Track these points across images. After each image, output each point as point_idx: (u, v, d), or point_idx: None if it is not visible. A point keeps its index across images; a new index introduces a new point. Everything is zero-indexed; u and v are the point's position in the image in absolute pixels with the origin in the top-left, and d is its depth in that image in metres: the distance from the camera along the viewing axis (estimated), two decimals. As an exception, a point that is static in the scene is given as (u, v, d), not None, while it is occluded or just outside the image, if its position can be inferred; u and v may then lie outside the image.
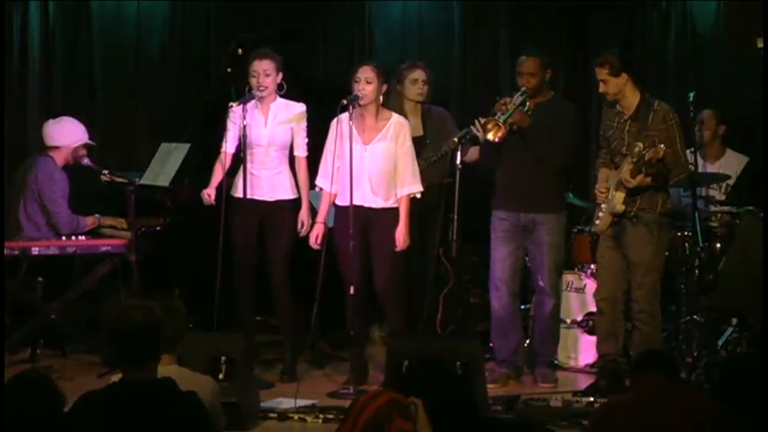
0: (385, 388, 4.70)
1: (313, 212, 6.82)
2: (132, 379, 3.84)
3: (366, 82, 6.55)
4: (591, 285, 7.13)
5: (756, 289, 6.21)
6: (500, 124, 6.51)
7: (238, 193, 6.73)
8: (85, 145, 7.49)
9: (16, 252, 7.05)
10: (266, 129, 6.81)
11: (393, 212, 6.63)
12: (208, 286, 6.54)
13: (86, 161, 7.37)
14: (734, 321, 6.85)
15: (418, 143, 6.97)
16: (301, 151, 6.86)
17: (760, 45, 7.11)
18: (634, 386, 4.30)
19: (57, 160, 7.39)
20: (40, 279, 7.25)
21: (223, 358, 5.78)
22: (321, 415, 5.93)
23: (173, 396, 3.84)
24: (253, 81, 6.73)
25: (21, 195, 7.34)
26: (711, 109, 7.77)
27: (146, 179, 7.48)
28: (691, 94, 6.84)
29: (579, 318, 7.30)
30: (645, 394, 4.12)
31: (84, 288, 7.21)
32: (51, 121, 7.55)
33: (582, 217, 7.66)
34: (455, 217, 6.58)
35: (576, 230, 7.59)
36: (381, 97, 6.63)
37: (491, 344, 6.96)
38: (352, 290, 6.49)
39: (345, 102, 6.49)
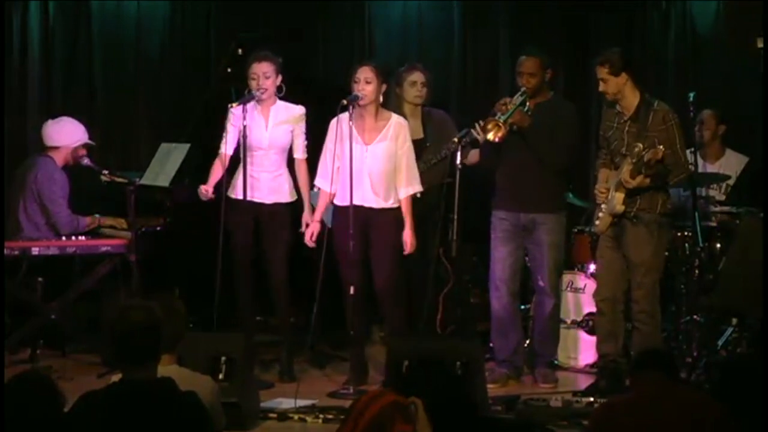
0: (386, 389, 4.70)
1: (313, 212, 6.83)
2: (132, 379, 3.84)
3: (365, 83, 6.56)
4: (591, 285, 7.12)
5: (756, 289, 6.21)
6: (500, 124, 6.51)
7: (236, 194, 6.74)
8: (85, 145, 7.49)
9: (16, 252, 7.04)
10: (267, 132, 6.81)
11: (392, 212, 6.64)
12: (208, 286, 6.54)
13: (86, 161, 7.37)
14: (734, 321, 6.85)
15: (419, 146, 6.97)
16: (300, 154, 6.87)
17: (760, 45, 7.11)
18: (634, 386, 4.30)
19: (57, 160, 7.39)
20: (40, 279, 7.25)
21: (223, 358, 5.78)
22: (321, 415, 5.93)
23: (173, 396, 3.84)
24: (253, 84, 6.73)
25: (21, 195, 7.34)
26: (711, 109, 7.77)
27: (146, 179, 7.48)
28: (691, 94, 6.83)
29: (579, 318, 7.31)
30: (645, 394, 4.12)
31: (84, 288, 7.21)
32: (50, 122, 7.55)
33: (582, 217, 7.66)
34: (455, 217, 6.59)
35: (576, 230, 7.59)
36: (381, 97, 6.64)
37: (491, 344, 6.96)
38: (352, 290, 6.50)
39: (345, 102, 6.49)
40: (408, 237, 6.60)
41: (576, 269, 7.45)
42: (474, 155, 7.01)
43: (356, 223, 6.48)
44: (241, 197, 6.66)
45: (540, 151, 6.68)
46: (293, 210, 6.86)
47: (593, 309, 6.89)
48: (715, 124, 7.81)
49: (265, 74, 6.72)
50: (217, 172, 6.80)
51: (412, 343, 6.14)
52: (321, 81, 8.04)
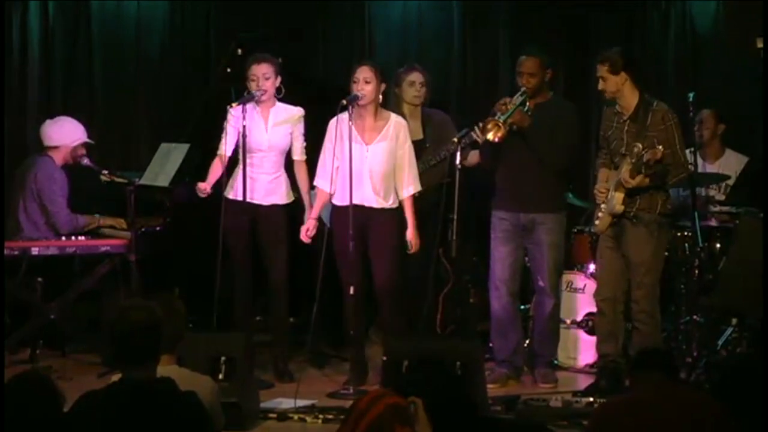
0: (386, 389, 4.69)
1: (312, 212, 6.84)
2: (132, 379, 3.84)
3: (365, 82, 6.56)
4: (591, 285, 7.12)
5: (756, 289, 6.22)
6: (500, 124, 6.51)
7: (233, 194, 6.74)
8: (85, 145, 7.49)
9: (16, 252, 7.05)
10: (267, 134, 6.81)
11: (392, 212, 6.65)
12: (208, 286, 6.54)
13: (86, 161, 7.37)
14: (734, 321, 6.85)
15: (418, 147, 6.97)
16: (299, 155, 6.87)
17: (760, 45, 7.11)
18: (634, 386, 4.30)
19: (56, 160, 7.39)
20: (39, 279, 7.25)
21: (223, 358, 5.79)
22: (321, 416, 5.93)
23: (173, 396, 3.84)
24: (253, 85, 6.73)
25: (21, 195, 7.34)
26: (710, 108, 7.77)
27: (146, 179, 7.48)
28: (691, 94, 6.83)
29: (579, 318, 7.31)
30: (645, 394, 4.12)
31: (84, 288, 7.21)
32: (49, 122, 7.54)
33: (582, 217, 7.67)
34: (455, 217, 6.59)
35: (576, 230, 7.59)
36: (380, 97, 6.64)
37: (491, 344, 6.96)
38: (351, 290, 6.50)
39: (345, 102, 6.49)
40: (412, 236, 6.61)
41: (576, 269, 7.45)
42: (474, 156, 7.01)
43: (356, 223, 6.49)
44: (239, 198, 6.66)
45: (540, 151, 6.68)
46: (291, 211, 6.86)
47: (593, 309, 6.89)
48: (715, 123, 7.81)
49: (264, 75, 6.72)
50: (216, 170, 6.80)
51: (411, 343, 6.15)
52: (321, 81, 8.04)
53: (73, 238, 7.18)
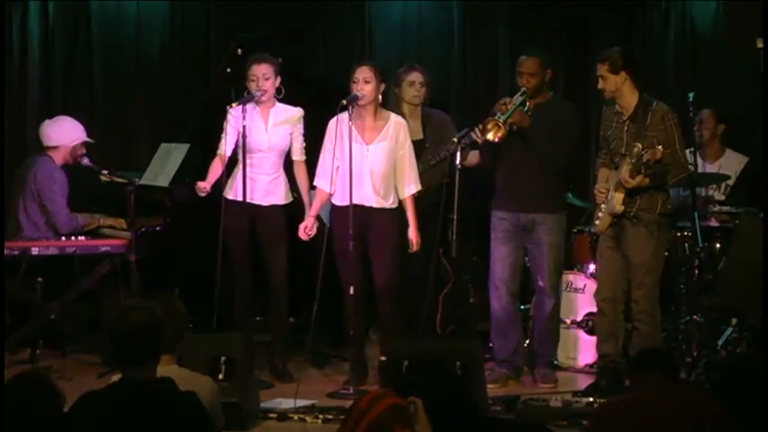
0: (386, 390, 4.69)
1: (313, 213, 6.84)
2: (132, 379, 3.84)
3: (364, 82, 6.56)
4: (591, 285, 7.13)
5: (756, 289, 6.22)
6: (500, 124, 6.51)
7: (233, 195, 6.74)
8: (84, 144, 7.49)
9: (16, 252, 7.05)
10: (267, 134, 6.81)
11: (392, 212, 6.65)
12: (208, 286, 6.54)
13: (86, 161, 7.37)
14: (734, 321, 6.85)
15: (418, 147, 6.98)
16: (299, 156, 6.87)
17: (760, 45, 7.12)
18: (634, 386, 4.30)
19: (56, 160, 7.39)
20: (39, 279, 7.25)
21: (223, 359, 5.79)
22: (321, 416, 5.93)
23: (173, 396, 3.84)
24: (252, 85, 6.73)
25: (20, 195, 7.34)
26: (710, 108, 7.77)
27: (146, 179, 7.48)
28: (691, 94, 6.83)
29: (579, 318, 7.31)
30: (645, 394, 4.12)
31: (84, 288, 7.21)
32: (48, 122, 7.54)
33: (582, 217, 7.66)
34: (455, 217, 6.59)
35: (576, 230, 7.59)
36: (380, 97, 6.64)
37: (491, 344, 6.96)
38: (351, 290, 6.50)
39: (344, 102, 6.49)
40: (413, 236, 6.62)
41: (576, 269, 7.45)
42: (474, 156, 7.01)
43: (356, 222, 6.49)
44: (238, 198, 6.66)
45: (540, 151, 6.68)
46: (290, 211, 6.86)
47: (593, 309, 6.89)
48: (715, 123, 7.81)
49: (264, 76, 6.72)
50: (216, 170, 6.80)
51: (411, 344, 6.15)
52: (321, 81, 8.04)
53: (73, 238, 7.18)
